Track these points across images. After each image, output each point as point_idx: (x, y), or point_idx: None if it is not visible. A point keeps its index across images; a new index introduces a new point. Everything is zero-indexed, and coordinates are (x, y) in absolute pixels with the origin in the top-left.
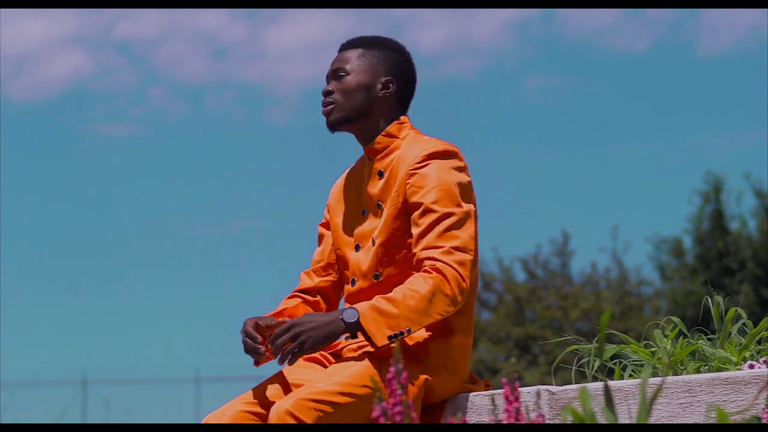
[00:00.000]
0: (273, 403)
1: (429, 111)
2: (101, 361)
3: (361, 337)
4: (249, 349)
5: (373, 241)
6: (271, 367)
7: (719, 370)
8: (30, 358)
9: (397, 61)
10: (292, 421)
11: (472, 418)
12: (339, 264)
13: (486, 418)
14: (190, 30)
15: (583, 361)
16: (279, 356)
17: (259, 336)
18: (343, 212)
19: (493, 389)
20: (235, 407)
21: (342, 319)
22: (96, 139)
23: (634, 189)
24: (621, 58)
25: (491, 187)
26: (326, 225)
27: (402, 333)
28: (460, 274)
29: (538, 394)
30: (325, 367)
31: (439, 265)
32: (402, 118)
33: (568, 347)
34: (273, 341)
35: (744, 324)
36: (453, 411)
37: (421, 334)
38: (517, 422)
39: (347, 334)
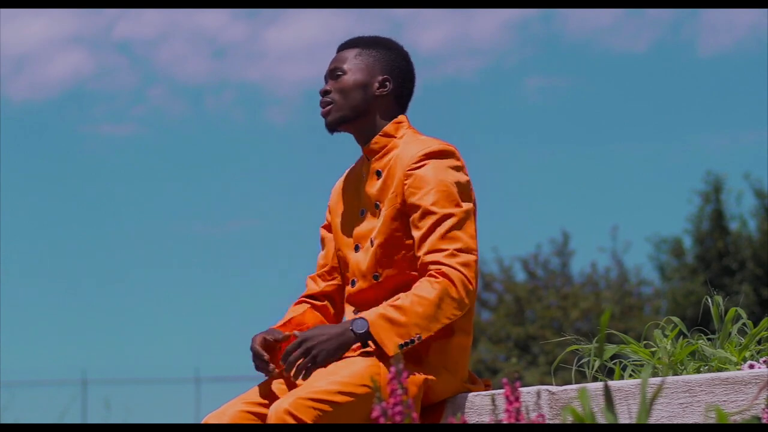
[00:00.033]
0: (273, 402)
1: (429, 111)
2: (101, 361)
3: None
4: (259, 369)
5: (372, 242)
6: None
7: (719, 370)
8: (30, 358)
9: (394, 60)
10: (291, 421)
11: (472, 418)
12: (340, 265)
13: (486, 418)
14: (190, 30)
15: (583, 361)
16: (293, 372)
17: (266, 354)
18: (343, 213)
19: (493, 389)
20: (235, 407)
21: (352, 329)
22: (96, 139)
23: (634, 189)
24: (621, 58)
25: (491, 187)
26: (328, 227)
27: (413, 340)
28: (466, 277)
29: (538, 394)
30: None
31: (444, 269)
32: (400, 117)
33: (568, 347)
34: (285, 358)
35: (744, 324)
36: (453, 411)
37: None
38: (517, 422)
39: (358, 344)
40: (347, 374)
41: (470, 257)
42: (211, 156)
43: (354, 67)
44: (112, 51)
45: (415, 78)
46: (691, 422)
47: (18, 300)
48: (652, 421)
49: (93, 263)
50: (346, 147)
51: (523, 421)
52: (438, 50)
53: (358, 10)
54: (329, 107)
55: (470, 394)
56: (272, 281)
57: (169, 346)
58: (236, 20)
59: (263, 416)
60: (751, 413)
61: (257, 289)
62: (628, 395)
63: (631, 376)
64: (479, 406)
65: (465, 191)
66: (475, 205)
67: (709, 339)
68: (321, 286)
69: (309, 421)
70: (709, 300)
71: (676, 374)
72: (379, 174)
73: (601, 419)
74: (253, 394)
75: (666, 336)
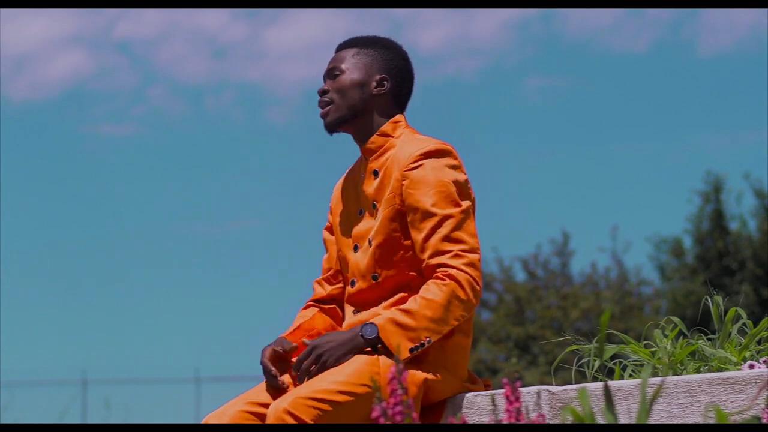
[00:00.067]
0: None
1: (429, 111)
2: (101, 361)
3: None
4: (269, 383)
5: (370, 242)
6: None
7: (719, 370)
8: (30, 358)
9: (392, 60)
10: (290, 420)
11: (472, 418)
12: (340, 265)
13: (486, 418)
14: (190, 30)
15: (583, 361)
16: (306, 380)
17: (274, 369)
18: (342, 213)
19: (493, 389)
20: (235, 407)
21: (362, 335)
22: (96, 139)
23: (634, 189)
24: (621, 58)
25: (491, 187)
26: (330, 229)
27: (423, 344)
28: (472, 277)
29: (538, 394)
30: None
31: (451, 271)
32: (397, 116)
33: (568, 347)
34: (297, 368)
35: (744, 324)
36: (453, 411)
37: None
38: (517, 422)
39: (368, 349)
40: (347, 374)
41: (474, 257)
42: (211, 156)
43: (352, 66)
44: (112, 51)
45: (414, 77)
46: (691, 422)
47: (18, 300)
48: (652, 421)
49: (93, 263)
50: (346, 147)
51: (523, 421)
52: (438, 50)
53: (358, 10)
54: (328, 108)
55: (470, 394)
56: (272, 281)
57: (169, 346)
58: (236, 20)
59: (263, 416)
60: (751, 413)
61: (257, 289)
62: (628, 395)
63: (631, 376)
64: (479, 406)
65: (463, 189)
66: (473, 202)
67: (709, 339)
68: (327, 289)
69: (308, 420)
70: (709, 300)
71: (676, 374)
72: (376, 173)
73: (601, 419)
74: (254, 393)
75: (666, 336)
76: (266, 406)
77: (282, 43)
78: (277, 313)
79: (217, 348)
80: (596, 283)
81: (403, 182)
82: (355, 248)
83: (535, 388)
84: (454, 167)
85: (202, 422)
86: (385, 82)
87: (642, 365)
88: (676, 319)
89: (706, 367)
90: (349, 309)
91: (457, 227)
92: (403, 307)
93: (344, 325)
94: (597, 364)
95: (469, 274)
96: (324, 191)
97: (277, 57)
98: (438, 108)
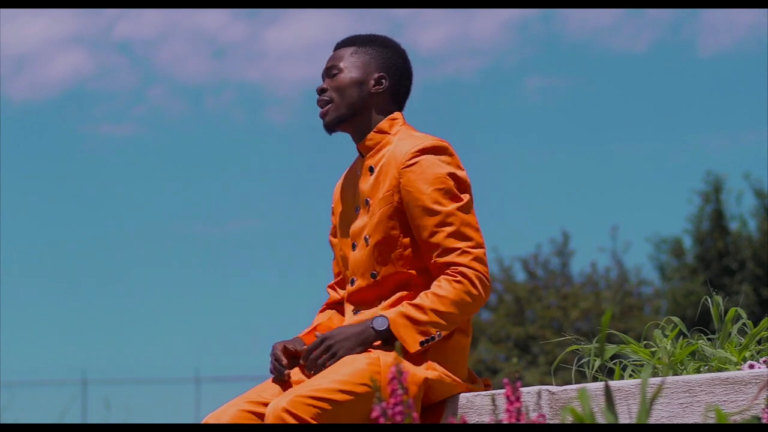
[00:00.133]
0: None
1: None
2: (101, 361)
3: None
4: (274, 372)
5: (366, 239)
6: None
7: (719, 370)
8: (30, 358)
9: (390, 58)
10: (289, 419)
11: (472, 418)
12: (342, 264)
13: (486, 418)
14: (190, 30)
15: (583, 361)
16: (314, 371)
17: (285, 360)
18: (342, 213)
19: (493, 389)
20: (236, 407)
21: (372, 327)
22: (96, 139)
23: (634, 189)
24: (621, 58)
25: (491, 187)
26: (334, 231)
27: (433, 338)
28: (481, 273)
29: (538, 394)
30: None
31: (461, 268)
32: (395, 114)
33: (568, 347)
34: (306, 357)
35: (744, 324)
36: (453, 411)
37: None
38: (517, 422)
39: (378, 342)
40: (348, 373)
41: (481, 251)
42: (211, 156)
43: (350, 65)
44: (112, 51)
45: (412, 76)
46: (691, 422)
47: (18, 300)
48: (652, 421)
49: (93, 263)
50: (346, 147)
51: (523, 421)
52: (438, 50)
53: (358, 10)
54: (327, 107)
55: (470, 394)
56: (272, 281)
57: (169, 346)
58: (236, 20)
59: (263, 416)
60: (751, 413)
61: (257, 289)
62: (628, 395)
63: (631, 376)
64: (479, 406)
65: (462, 183)
66: (471, 195)
67: (709, 339)
68: (341, 293)
69: (308, 419)
70: (709, 300)
71: (676, 374)
72: (371, 170)
73: (601, 419)
74: (254, 393)
75: (666, 336)
76: (266, 405)
77: (282, 43)
78: (277, 313)
79: (217, 348)
80: (596, 283)
81: (401, 179)
82: (353, 246)
83: (535, 388)
84: (450, 163)
85: (202, 422)
86: (383, 81)
87: (642, 365)
88: (676, 319)
89: (706, 367)
90: (348, 308)
91: (461, 223)
92: (413, 301)
93: (344, 324)
94: (597, 364)
95: (478, 270)
96: (324, 191)
97: (277, 57)
98: (438, 108)
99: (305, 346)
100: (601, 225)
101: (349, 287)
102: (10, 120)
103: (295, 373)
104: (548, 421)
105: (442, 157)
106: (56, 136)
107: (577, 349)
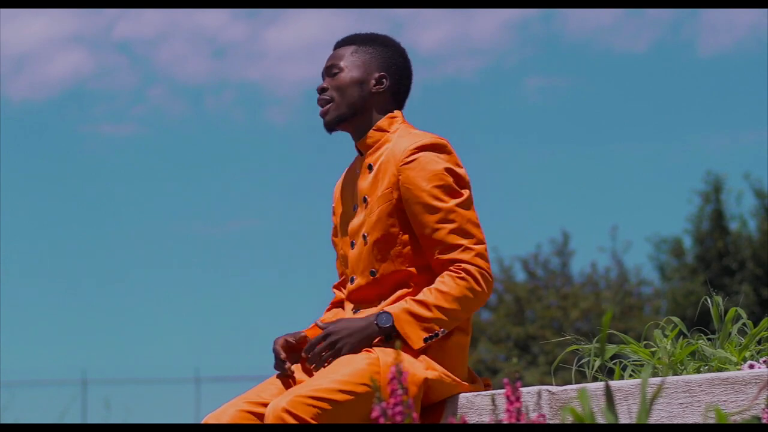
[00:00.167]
0: None
1: (429, 111)
2: (101, 361)
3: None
4: (276, 367)
5: (364, 237)
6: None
7: (719, 370)
8: (30, 358)
9: (390, 57)
10: (289, 419)
11: (472, 418)
12: (342, 263)
13: (486, 418)
14: (190, 30)
15: (583, 361)
16: (316, 365)
17: (283, 353)
18: (342, 212)
19: (493, 389)
20: (235, 407)
21: (376, 323)
22: (96, 138)
23: (634, 189)
24: (621, 58)
25: (491, 187)
26: (335, 230)
27: (437, 334)
28: (484, 269)
29: (538, 394)
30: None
31: (464, 265)
32: (394, 112)
33: (568, 347)
34: (309, 350)
35: (744, 324)
36: (453, 411)
37: None
38: (517, 422)
39: (382, 338)
40: (348, 372)
41: (482, 247)
42: (211, 156)
43: (350, 64)
44: (112, 51)
45: (412, 75)
46: (691, 422)
47: (18, 300)
48: (652, 421)
49: (93, 263)
50: (346, 147)
51: (523, 421)
52: (438, 50)
53: (358, 10)
54: (328, 106)
55: (470, 394)
56: (272, 281)
57: (169, 346)
58: (236, 20)
59: (263, 416)
60: (751, 413)
61: (257, 289)
62: (628, 395)
63: (631, 376)
64: (479, 406)
65: (461, 180)
66: (471, 192)
67: (709, 339)
68: (345, 293)
69: (308, 419)
70: (709, 300)
71: (676, 374)
72: (370, 168)
73: (601, 419)
74: (253, 393)
75: (666, 336)
76: (266, 405)
77: (282, 43)
78: (277, 313)
79: (217, 348)
80: (596, 283)
81: (400, 176)
82: (352, 245)
83: (535, 388)
84: (449, 159)
85: (202, 422)
86: (383, 80)
87: (642, 365)
88: (676, 319)
89: (706, 367)
90: (348, 306)
91: (463, 220)
92: (417, 297)
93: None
94: (597, 364)
95: (480, 267)
96: (324, 191)
97: (277, 57)
98: (438, 108)
99: (309, 339)
100: (601, 225)
101: (349, 285)
102: (10, 120)
103: (297, 370)
104: (548, 421)
105: (441, 155)
106: (56, 136)
107: (577, 349)
